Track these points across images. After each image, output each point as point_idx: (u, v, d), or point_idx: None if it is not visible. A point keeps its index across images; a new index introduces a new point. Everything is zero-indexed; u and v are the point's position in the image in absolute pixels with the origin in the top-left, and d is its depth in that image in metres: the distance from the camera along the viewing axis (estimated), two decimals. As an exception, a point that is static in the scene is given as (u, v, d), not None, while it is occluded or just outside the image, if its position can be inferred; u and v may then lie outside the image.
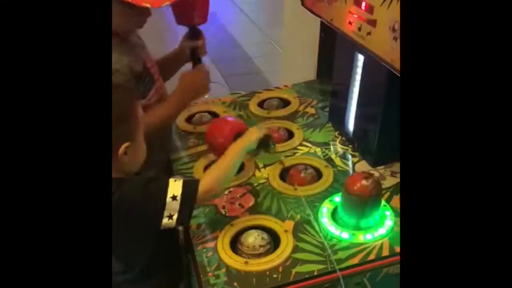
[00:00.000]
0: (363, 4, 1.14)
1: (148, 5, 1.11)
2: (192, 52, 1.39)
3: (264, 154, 1.30)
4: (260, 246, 1.02)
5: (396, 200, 1.15)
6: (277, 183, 1.24)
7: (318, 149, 1.37)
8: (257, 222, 1.10)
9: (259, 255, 1.01)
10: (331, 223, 1.08)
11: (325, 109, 1.57)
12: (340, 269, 0.97)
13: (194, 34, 1.39)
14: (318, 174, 1.27)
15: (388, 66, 1.06)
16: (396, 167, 1.28)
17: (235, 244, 1.04)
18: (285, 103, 1.64)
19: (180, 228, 1.13)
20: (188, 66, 1.41)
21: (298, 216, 1.12)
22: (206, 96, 1.39)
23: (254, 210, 1.15)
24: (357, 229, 1.06)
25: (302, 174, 1.24)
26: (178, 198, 0.95)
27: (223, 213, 1.15)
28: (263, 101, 1.65)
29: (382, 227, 1.07)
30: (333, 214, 1.11)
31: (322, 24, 1.63)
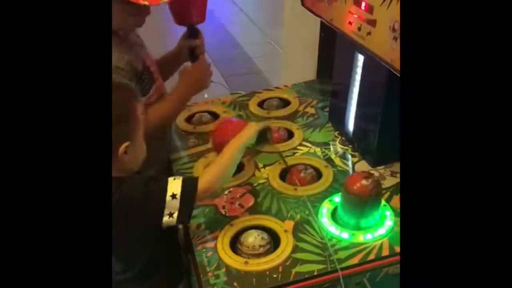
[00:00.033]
0: (363, 4, 1.14)
1: (146, 3, 1.11)
2: (191, 51, 1.39)
3: (265, 154, 1.30)
4: (260, 246, 1.02)
5: (396, 200, 1.15)
6: (277, 183, 1.24)
7: (318, 149, 1.37)
8: (257, 222, 1.10)
9: (259, 255, 1.01)
10: (331, 223, 1.08)
11: (325, 109, 1.57)
12: (340, 269, 0.97)
13: (192, 33, 1.39)
14: (318, 174, 1.26)
15: (388, 66, 1.06)
16: (396, 167, 1.28)
17: (235, 244, 1.04)
18: (285, 103, 1.64)
19: (180, 226, 1.13)
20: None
21: (298, 216, 1.12)
22: (206, 96, 1.39)
23: (254, 210, 1.15)
24: (357, 229, 1.06)
25: (302, 174, 1.24)
26: (178, 196, 0.95)
27: (223, 213, 1.15)
28: (263, 101, 1.65)
29: (382, 227, 1.07)
30: (333, 214, 1.11)
31: (322, 24, 1.63)
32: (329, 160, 1.32)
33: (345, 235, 1.05)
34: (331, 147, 1.39)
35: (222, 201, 1.18)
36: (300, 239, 1.05)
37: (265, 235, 1.04)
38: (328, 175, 1.26)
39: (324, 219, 1.10)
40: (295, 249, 1.02)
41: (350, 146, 1.39)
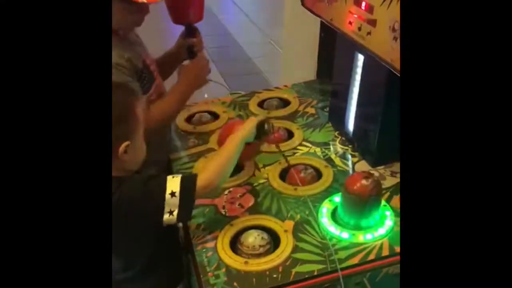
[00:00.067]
0: (363, 4, 1.14)
1: (145, 0, 1.12)
2: (189, 49, 1.39)
3: (265, 154, 1.30)
4: (260, 246, 1.02)
5: (396, 200, 1.15)
6: (277, 183, 1.24)
7: (318, 149, 1.37)
8: (257, 222, 1.10)
9: (259, 255, 1.01)
10: (331, 223, 1.08)
11: (325, 109, 1.57)
12: (340, 269, 0.97)
13: (190, 32, 1.40)
14: (318, 174, 1.26)
15: (388, 66, 1.06)
16: (396, 167, 1.28)
17: (235, 244, 1.04)
18: (285, 103, 1.64)
19: (180, 225, 1.13)
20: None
21: (298, 216, 1.12)
22: (206, 96, 1.39)
23: (254, 210, 1.15)
24: (357, 229, 1.06)
25: (302, 174, 1.24)
26: (177, 194, 0.95)
27: (223, 213, 1.14)
28: (263, 101, 1.65)
29: (382, 227, 1.07)
30: (333, 214, 1.11)
31: (322, 24, 1.63)
32: (329, 160, 1.32)
33: (345, 235, 1.05)
34: (331, 147, 1.39)
35: (222, 201, 1.18)
36: (300, 239, 1.05)
37: (265, 235, 1.04)
38: (328, 175, 1.26)
39: (324, 219, 1.10)
40: (295, 249, 1.02)
41: (350, 146, 1.39)
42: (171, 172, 1.33)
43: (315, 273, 0.97)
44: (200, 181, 0.99)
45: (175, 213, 0.96)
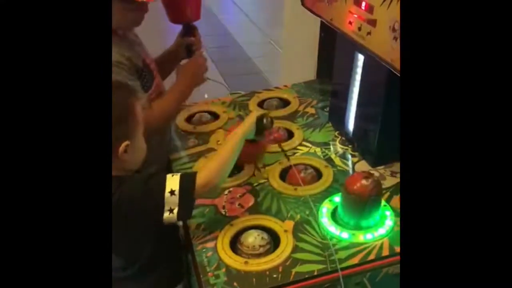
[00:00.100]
0: (363, 4, 1.14)
1: None
2: (187, 48, 1.39)
3: (266, 154, 1.30)
4: (260, 246, 1.02)
5: (396, 200, 1.15)
6: (277, 183, 1.23)
7: (318, 149, 1.37)
8: (257, 222, 1.10)
9: (259, 255, 1.01)
10: (331, 223, 1.08)
11: (325, 109, 1.57)
12: (340, 269, 0.97)
13: (188, 30, 1.40)
14: (318, 174, 1.26)
15: (388, 66, 1.06)
16: (396, 167, 1.28)
17: (235, 244, 1.04)
18: (285, 103, 1.64)
19: (181, 223, 1.13)
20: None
21: (298, 216, 1.12)
22: (206, 96, 1.39)
23: (254, 210, 1.15)
24: (357, 229, 1.06)
25: (302, 174, 1.24)
26: (176, 192, 0.95)
27: (223, 213, 1.14)
28: (263, 101, 1.65)
29: (382, 227, 1.07)
30: (333, 214, 1.11)
31: (322, 24, 1.63)
32: (329, 160, 1.32)
33: (345, 235, 1.05)
34: (331, 147, 1.39)
35: (222, 201, 1.18)
36: (300, 239, 1.05)
37: (265, 235, 1.04)
38: (328, 175, 1.26)
39: (324, 219, 1.10)
40: (295, 249, 1.02)
41: (350, 146, 1.39)
42: (171, 172, 1.33)
43: (315, 273, 0.97)
44: (200, 179, 0.98)
45: (175, 211, 0.96)
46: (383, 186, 1.14)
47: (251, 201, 1.18)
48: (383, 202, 1.11)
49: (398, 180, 1.22)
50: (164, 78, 1.40)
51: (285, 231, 1.07)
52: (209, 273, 0.98)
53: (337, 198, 1.14)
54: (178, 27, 1.43)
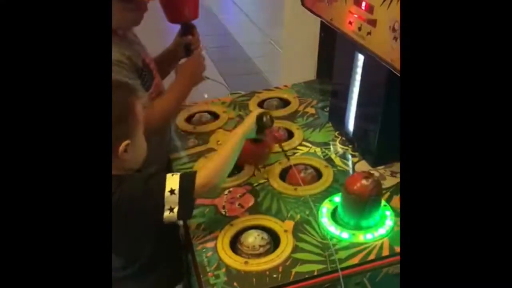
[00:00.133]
0: (363, 4, 1.14)
1: None
2: (186, 47, 1.40)
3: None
4: (260, 246, 1.02)
5: (396, 200, 1.15)
6: (277, 183, 1.23)
7: (318, 149, 1.37)
8: (257, 222, 1.10)
9: (259, 255, 1.01)
10: (331, 223, 1.08)
11: (325, 109, 1.57)
12: (340, 269, 0.97)
13: (187, 29, 1.40)
14: (318, 174, 1.26)
15: (388, 66, 1.06)
16: (396, 167, 1.28)
17: (235, 244, 1.04)
18: (285, 103, 1.64)
19: (181, 223, 1.13)
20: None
21: (298, 216, 1.12)
22: (206, 96, 1.39)
23: (254, 210, 1.15)
24: (357, 229, 1.06)
25: (302, 174, 1.24)
26: (176, 192, 0.95)
27: (223, 213, 1.14)
28: (263, 101, 1.65)
29: (382, 227, 1.07)
30: (333, 214, 1.11)
31: (322, 24, 1.63)
32: (329, 160, 1.32)
33: (345, 235, 1.05)
34: (331, 147, 1.39)
35: (222, 201, 1.18)
36: (300, 239, 1.05)
37: (265, 235, 1.04)
38: (328, 175, 1.26)
39: (324, 219, 1.10)
40: (295, 249, 1.02)
41: (350, 146, 1.39)
42: (171, 172, 1.33)
43: (315, 273, 0.97)
44: (199, 179, 0.98)
45: (175, 210, 0.96)
46: (383, 186, 1.14)
47: (251, 201, 1.18)
48: (383, 202, 1.11)
49: (398, 180, 1.22)
50: (163, 77, 1.40)
51: (285, 231, 1.07)
52: (209, 273, 0.98)
53: (337, 198, 1.14)
54: (177, 27, 1.43)
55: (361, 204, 1.04)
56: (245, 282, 0.96)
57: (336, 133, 1.45)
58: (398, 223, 1.07)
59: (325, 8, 1.36)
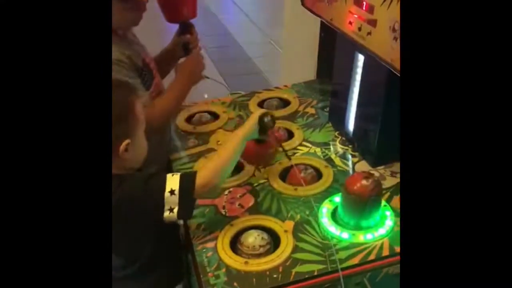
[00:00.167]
0: (364, 4, 1.14)
1: None
2: (185, 46, 1.40)
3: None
4: (260, 246, 1.02)
5: (396, 200, 1.15)
6: (277, 183, 1.23)
7: (318, 149, 1.37)
8: (257, 222, 1.10)
9: (259, 255, 1.01)
10: (331, 223, 1.08)
11: (325, 109, 1.57)
12: (340, 269, 0.97)
13: (185, 28, 1.40)
14: (318, 174, 1.26)
15: (388, 66, 1.06)
16: (396, 167, 1.28)
17: (235, 244, 1.04)
18: (285, 103, 1.64)
19: (181, 222, 1.13)
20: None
21: (298, 216, 1.12)
22: (206, 96, 1.39)
23: (254, 210, 1.15)
24: (357, 229, 1.06)
25: (302, 174, 1.24)
26: (176, 192, 0.95)
27: (223, 213, 1.14)
28: (263, 101, 1.65)
29: (382, 227, 1.07)
30: (333, 214, 1.11)
31: (322, 24, 1.63)
32: (329, 160, 1.32)
33: (345, 235, 1.05)
34: (331, 147, 1.39)
35: (222, 201, 1.18)
36: (300, 239, 1.05)
37: (265, 235, 1.04)
38: (328, 175, 1.26)
39: (324, 219, 1.10)
40: (295, 249, 1.02)
41: (350, 146, 1.39)
42: (171, 172, 1.33)
43: (315, 273, 0.97)
44: (200, 179, 0.98)
45: (175, 210, 0.96)
46: (383, 186, 1.14)
47: (251, 201, 1.18)
48: (383, 202, 1.11)
49: (398, 180, 1.22)
50: (163, 77, 1.40)
51: (285, 231, 1.07)
52: (209, 273, 0.98)
53: (337, 198, 1.14)
54: (175, 26, 1.43)
55: (361, 204, 1.04)
56: (245, 282, 0.96)
57: (336, 133, 1.45)
58: (398, 223, 1.07)
59: (325, 8, 1.36)
